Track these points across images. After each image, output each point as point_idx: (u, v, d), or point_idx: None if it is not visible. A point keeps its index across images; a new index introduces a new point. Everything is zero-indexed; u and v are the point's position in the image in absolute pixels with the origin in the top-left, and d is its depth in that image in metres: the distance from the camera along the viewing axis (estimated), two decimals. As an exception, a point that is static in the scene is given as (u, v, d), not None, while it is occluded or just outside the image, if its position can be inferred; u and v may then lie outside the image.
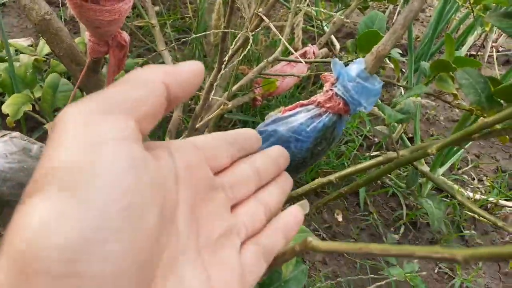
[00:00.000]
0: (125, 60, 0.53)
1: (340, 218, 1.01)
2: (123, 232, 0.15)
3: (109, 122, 0.17)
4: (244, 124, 1.07)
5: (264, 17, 0.56)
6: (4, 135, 0.36)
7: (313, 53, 1.00)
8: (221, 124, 1.10)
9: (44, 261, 0.14)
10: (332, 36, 1.67)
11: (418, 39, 1.88)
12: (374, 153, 1.12)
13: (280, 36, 0.59)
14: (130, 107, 0.18)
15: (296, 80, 1.02)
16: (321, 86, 1.30)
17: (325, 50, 1.10)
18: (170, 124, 0.69)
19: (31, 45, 1.31)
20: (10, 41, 1.11)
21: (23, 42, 1.33)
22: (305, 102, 0.47)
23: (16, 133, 0.37)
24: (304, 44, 1.07)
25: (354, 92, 0.43)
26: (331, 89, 0.45)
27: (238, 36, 0.53)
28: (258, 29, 0.59)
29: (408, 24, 0.43)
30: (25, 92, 0.56)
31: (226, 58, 0.61)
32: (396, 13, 1.85)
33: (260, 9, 0.60)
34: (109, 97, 0.17)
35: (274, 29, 0.55)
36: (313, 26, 1.68)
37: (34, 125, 0.89)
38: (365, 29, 0.63)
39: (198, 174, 0.21)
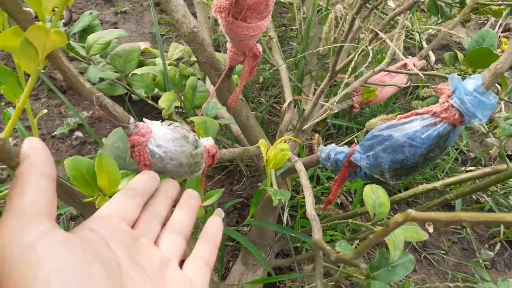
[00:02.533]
0: (255, 68, 0.62)
1: (431, 230, 1.02)
2: None
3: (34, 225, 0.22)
4: (338, 130, 1.12)
5: (380, 33, 0.61)
6: (171, 123, 0.45)
7: (414, 64, 1.03)
8: (316, 128, 1.16)
9: None
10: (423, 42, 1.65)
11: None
12: (470, 168, 1.11)
13: (395, 48, 0.63)
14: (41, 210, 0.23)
15: (395, 90, 1.05)
16: (417, 97, 1.30)
17: (422, 61, 1.12)
18: (282, 125, 0.76)
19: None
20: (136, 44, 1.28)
21: (142, 45, 1.51)
22: (420, 111, 0.51)
23: (177, 123, 0.46)
24: (403, 55, 1.10)
25: (471, 105, 0.47)
26: (447, 101, 0.49)
27: (359, 49, 0.58)
28: (375, 44, 0.64)
29: (529, 44, 0.46)
30: (174, 91, 0.68)
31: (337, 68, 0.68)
32: (498, 25, 1.77)
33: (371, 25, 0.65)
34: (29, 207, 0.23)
35: (390, 43, 0.60)
36: (409, 37, 1.68)
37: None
38: (476, 46, 0.65)
39: (120, 233, 0.27)
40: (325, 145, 0.64)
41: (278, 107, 1.18)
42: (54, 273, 0.20)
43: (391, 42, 0.84)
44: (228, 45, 0.59)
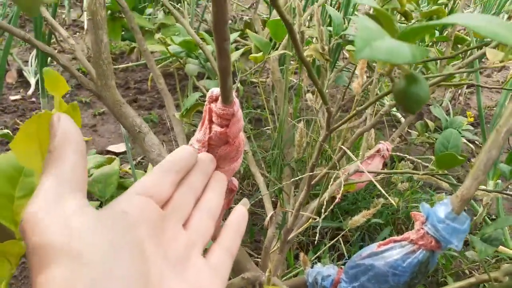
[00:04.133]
0: (232, 200, 0.63)
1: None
2: (119, 273, 0.21)
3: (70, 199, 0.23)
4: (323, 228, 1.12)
5: (348, 151, 0.63)
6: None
7: (387, 149, 1.06)
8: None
9: None
10: (397, 113, 1.71)
11: (489, 108, 1.86)
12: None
13: (353, 157, 0.65)
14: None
15: (372, 177, 1.07)
16: (395, 173, 1.31)
17: (397, 139, 1.15)
18: (266, 240, 0.76)
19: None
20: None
21: (121, 147, 1.53)
22: (398, 238, 0.52)
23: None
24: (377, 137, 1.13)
25: (445, 232, 0.48)
26: (422, 228, 0.50)
27: (329, 177, 0.60)
28: (341, 158, 0.67)
29: (488, 170, 0.48)
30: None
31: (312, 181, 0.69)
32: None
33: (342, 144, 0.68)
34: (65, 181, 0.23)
35: (354, 157, 0.62)
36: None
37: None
38: (442, 148, 0.68)
39: (150, 216, 0.26)
40: (315, 261, 0.64)
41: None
42: (85, 251, 0.20)
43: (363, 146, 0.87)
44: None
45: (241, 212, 0.35)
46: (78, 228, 0.21)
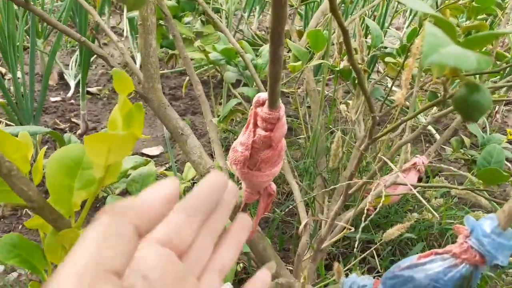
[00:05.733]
0: (270, 205, 0.63)
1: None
2: None
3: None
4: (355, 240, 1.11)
5: (388, 162, 0.63)
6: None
7: (423, 163, 1.04)
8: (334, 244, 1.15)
9: None
10: (431, 128, 1.69)
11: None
12: None
13: (393, 167, 0.65)
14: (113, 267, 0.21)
15: (408, 190, 1.06)
16: (430, 187, 1.29)
17: (432, 155, 1.13)
18: (299, 247, 0.76)
19: (163, 152, 1.54)
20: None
21: (154, 150, 1.56)
22: (440, 250, 0.51)
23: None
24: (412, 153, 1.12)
25: (490, 247, 0.47)
26: (465, 242, 0.49)
27: (372, 184, 0.60)
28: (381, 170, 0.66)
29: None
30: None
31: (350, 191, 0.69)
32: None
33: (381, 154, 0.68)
34: (96, 263, 0.20)
35: (395, 168, 0.62)
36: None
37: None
38: (484, 164, 0.67)
39: (170, 274, 0.24)
40: (346, 273, 0.64)
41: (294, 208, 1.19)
42: None
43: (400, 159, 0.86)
44: (243, 184, 0.61)
45: (264, 279, 0.30)
46: None
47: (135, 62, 1.80)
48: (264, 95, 0.52)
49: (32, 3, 0.52)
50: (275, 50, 0.38)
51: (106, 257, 0.20)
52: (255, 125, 0.54)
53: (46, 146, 1.38)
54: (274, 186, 0.64)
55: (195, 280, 0.27)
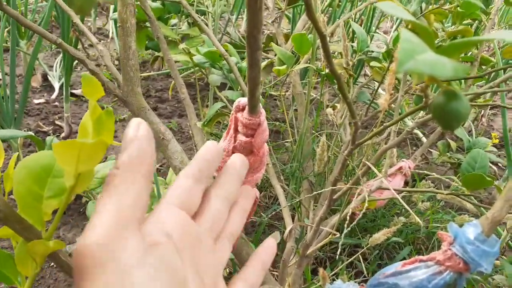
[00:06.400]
0: (254, 210, 0.62)
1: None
2: None
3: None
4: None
5: (372, 167, 0.62)
6: None
7: (409, 167, 1.04)
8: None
9: None
10: (418, 132, 1.69)
11: (512, 130, 1.82)
12: None
13: (378, 173, 0.64)
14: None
15: (393, 195, 1.05)
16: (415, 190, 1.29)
17: (418, 158, 1.14)
18: (284, 253, 0.75)
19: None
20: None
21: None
22: (424, 258, 0.51)
23: None
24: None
25: (474, 254, 0.46)
26: (449, 249, 0.48)
27: (351, 192, 0.59)
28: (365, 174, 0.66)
29: (521, 191, 0.47)
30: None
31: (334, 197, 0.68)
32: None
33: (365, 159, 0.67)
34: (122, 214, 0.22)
35: (379, 173, 0.61)
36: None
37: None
38: (468, 168, 0.67)
39: (189, 237, 0.26)
40: (331, 281, 0.63)
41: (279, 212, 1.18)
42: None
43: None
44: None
45: (270, 246, 0.32)
46: (131, 266, 0.21)
47: (121, 64, 1.78)
48: (244, 100, 0.50)
49: (5, 3, 0.51)
50: (252, 54, 0.37)
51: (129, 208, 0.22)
52: (236, 131, 0.52)
53: (28, 149, 1.36)
54: (257, 192, 0.62)
55: (212, 242, 0.28)
